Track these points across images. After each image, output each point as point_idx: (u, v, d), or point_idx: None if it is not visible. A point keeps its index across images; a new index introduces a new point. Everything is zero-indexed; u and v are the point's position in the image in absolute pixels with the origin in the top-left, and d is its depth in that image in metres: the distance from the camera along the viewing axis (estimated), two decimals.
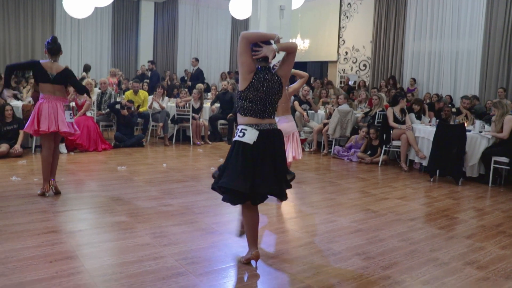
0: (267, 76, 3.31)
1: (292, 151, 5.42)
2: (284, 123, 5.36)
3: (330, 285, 3.24)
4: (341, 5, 15.32)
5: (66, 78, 5.27)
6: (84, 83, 8.93)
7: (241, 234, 3.87)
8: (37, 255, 3.51)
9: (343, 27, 15.29)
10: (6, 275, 3.14)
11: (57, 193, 5.32)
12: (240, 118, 3.36)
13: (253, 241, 3.49)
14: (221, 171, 3.39)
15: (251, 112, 3.30)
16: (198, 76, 13.68)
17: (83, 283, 3.09)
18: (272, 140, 3.33)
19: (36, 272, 3.21)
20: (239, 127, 3.33)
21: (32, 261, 3.40)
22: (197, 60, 14.42)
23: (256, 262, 3.52)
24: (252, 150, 3.25)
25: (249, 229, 3.49)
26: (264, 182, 3.27)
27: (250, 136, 3.26)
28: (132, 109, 9.23)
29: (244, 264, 3.54)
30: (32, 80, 8.87)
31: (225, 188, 3.31)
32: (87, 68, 13.45)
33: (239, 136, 3.29)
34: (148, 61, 14.32)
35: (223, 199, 3.42)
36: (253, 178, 3.25)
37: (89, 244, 3.83)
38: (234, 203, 3.41)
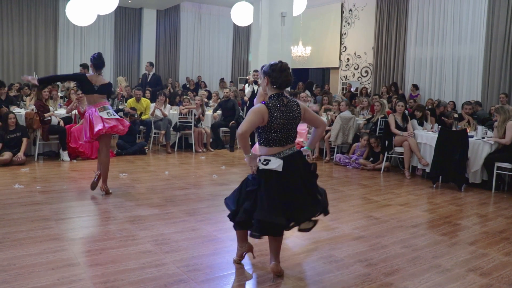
0: (282, 102, 3.29)
1: None
2: None
3: None
4: (342, 12, 15.38)
5: (107, 91, 5.84)
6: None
7: (238, 262, 3.73)
8: (39, 262, 3.51)
9: (345, 33, 15.34)
10: (8, 282, 3.15)
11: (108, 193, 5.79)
12: (265, 149, 3.32)
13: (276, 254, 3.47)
14: (237, 200, 3.40)
15: (274, 142, 3.28)
16: (157, 82, 12.20)
17: None
18: (296, 164, 3.30)
19: (39, 279, 3.22)
20: (262, 157, 3.30)
21: (34, 268, 3.40)
22: (152, 65, 12.73)
23: (274, 274, 3.44)
24: (280, 177, 3.23)
25: (274, 244, 3.47)
26: (304, 209, 3.27)
27: (274, 165, 3.24)
28: (135, 116, 9.25)
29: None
30: (35, 88, 8.91)
31: (263, 222, 3.21)
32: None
33: (263, 164, 3.26)
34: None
35: (254, 234, 3.31)
36: (290, 208, 3.24)
37: (90, 252, 3.83)
38: (263, 233, 3.31)
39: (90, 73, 5.82)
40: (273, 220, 3.18)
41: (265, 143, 3.32)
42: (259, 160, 3.31)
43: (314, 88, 13.94)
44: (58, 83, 13.25)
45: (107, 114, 5.65)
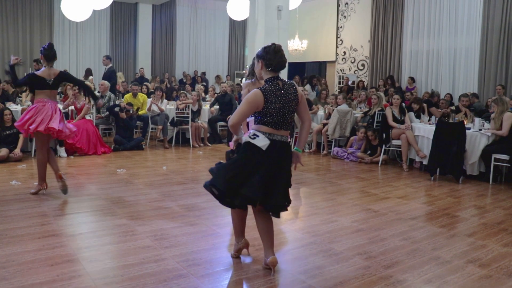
0: (278, 86, 3.25)
1: None
2: None
3: (332, 285, 3.23)
4: (338, 5, 15.33)
5: (64, 80, 5.49)
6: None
7: (235, 257, 3.71)
8: (38, 259, 3.50)
9: (341, 27, 15.30)
10: (7, 279, 3.13)
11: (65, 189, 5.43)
12: (256, 126, 3.28)
13: (268, 245, 3.43)
14: (221, 169, 3.35)
15: (268, 123, 3.24)
16: (110, 76, 11.15)
17: (84, 286, 3.08)
18: (279, 152, 3.26)
19: (37, 275, 3.20)
20: (251, 131, 3.28)
21: (33, 264, 3.39)
22: (108, 58, 11.58)
23: (273, 268, 3.40)
24: (257, 155, 3.21)
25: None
26: (250, 186, 3.19)
27: (261, 142, 3.20)
28: (131, 112, 9.22)
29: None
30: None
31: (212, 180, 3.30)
32: (89, 72, 13.42)
33: (250, 137, 3.23)
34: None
35: (205, 185, 3.38)
36: (242, 179, 3.21)
37: (89, 247, 3.82)
38: (217, 198, 3.38)
39: (42, 68, 5.42)
40: (219, 185, 3.24)
41: (258, 122, 3.28)
42: (249, 133, 3.29)
43: (314, 81, 13.97)
44: None
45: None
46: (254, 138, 3.22)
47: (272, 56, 3.25)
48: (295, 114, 3.39)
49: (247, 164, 3.22)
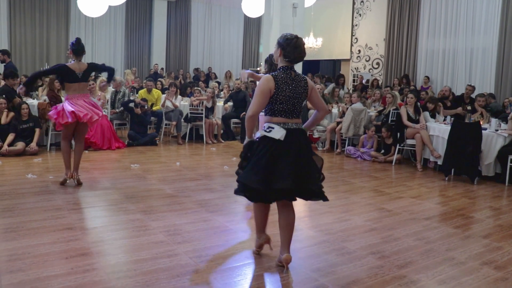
0: (290, 76, 3.29)
1: None
2: None
3: (345, 284, 3.22)
4: (354, 3, 15.22)
5: (93, 70, 5.74)
6: (98, 81, 9.02)
7: (257, 253, 3.71)
8: (53, 252, 3.54)
9: (356, 25, 15.20)
10: (23, 271, 3.18)
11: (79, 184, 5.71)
12: (270, 118, 3.30)
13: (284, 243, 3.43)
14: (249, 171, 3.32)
15: (280, 112, 3.27)
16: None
17: (98, 280, 3.10)
18: (299, 139, 3.28)
19: (52, 268, 3.24)
20: (266, 125, 3.28)
21: (48, 257, 3.43)
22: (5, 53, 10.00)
23: (286, 265, 3.41)
24: (279, 147, 3.20)
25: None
26: (280, 178, 3.14)
27: (277, 133, 3.20)
28: (146, 107, 9.27)
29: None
30: (47, 79, 8.95)
31: (241, 183, 3.32)
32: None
33: (266, 131, 3.23)
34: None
35: (236, 192, 3.43)
36: (270, 174, 3.17)
37: (103, 241, 3.85)
38: (250, 199, 3.43)
39: (71, 61, 5.65)
40: (247, 182, 3.22)
41: (270, 113, 3.30)
42: (264, 127, 3.28)
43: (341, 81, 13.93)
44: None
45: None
46: (270, 131, 3.22)
47: (292, 50, 3.28)
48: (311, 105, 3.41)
49: (270, 158, 3.20)
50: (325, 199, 3.43)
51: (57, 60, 15.37)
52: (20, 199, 4.97)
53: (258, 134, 3.34)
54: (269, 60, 5.76)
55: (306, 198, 3.43)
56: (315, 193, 3.37)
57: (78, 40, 5.65)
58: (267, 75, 3.29)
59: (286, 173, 3.16)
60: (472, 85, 9.56)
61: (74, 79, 5.52)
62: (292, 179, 3.16)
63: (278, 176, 3.16)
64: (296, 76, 3.33)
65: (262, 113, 3.45)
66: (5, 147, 7.23)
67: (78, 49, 5.58)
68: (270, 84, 3.22)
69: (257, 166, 3.21)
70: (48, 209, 4.64)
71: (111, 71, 6.09)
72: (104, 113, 8.74)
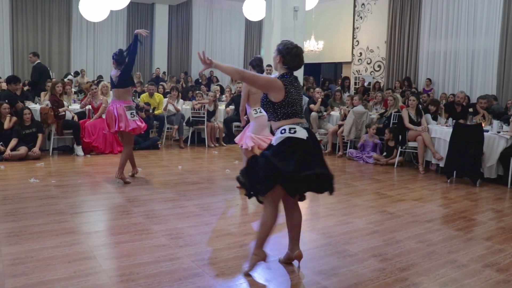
0: (292, 79, 3.40)
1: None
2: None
3: (347, 287, 3.23)
4: (355, 6, 15.26)
5: (125, 75, 6.02)
6: (100, 85, 9.05)
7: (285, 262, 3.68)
8: (56, 255, 3.55)
9: (357, 28, 15.23)
10: (26, 274, 3.19)
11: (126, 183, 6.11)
12: (283, 121, 3.34)
13: (295, 240, 3.55)
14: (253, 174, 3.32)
15: (293, 114, 3.34)
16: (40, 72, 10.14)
17: (100, 283, 3.11)
18: (314, 138, 3.39)
19: (55, 272, 3.25)
20: (285, 127, 3.29)
21: (51, 261, 3.45)
22: (35, 55, 10.42)
23: (299, 261, 3.56)
24: (305, 145, 3.25)
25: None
26: (307, 169, 3.19)
27: (301, 133, 3.28)
28: (149, 111, 9.30)
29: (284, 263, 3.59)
30: (49, 84, 9.00)
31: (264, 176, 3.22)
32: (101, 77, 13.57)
33: (291, 133, 3.27)
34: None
35: (254, 191, 3.37)
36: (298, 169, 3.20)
37: (106, 245, 3.86)
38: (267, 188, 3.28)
39: (113, 69, 6.14)
40: (281, 167, 3.17)
41: (284, 116, 3.33)
42: (284, 129, 3.29)
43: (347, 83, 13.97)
44: (70, 77, 13.39)
45: (131, 115, 6.03)
46: (295, 132, 3.27)
47: (291, 58, 3.37)
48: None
49: (299, 156, 3.22)
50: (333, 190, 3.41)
51: (59, 64, 15.44)
52: (23, 203, 4.99)
53: (277, 136, 3.32)
54: (253, 63, 5.90)
55: (321, 190, 3.44)
56: (329, 184, 3.36)
57: (120, 51, 6.09)
58: (275, 78, 3.36)
59: (312, 165, 3.23)
60: (486, 96, 9.24)
61: (112, 85, 6.15)
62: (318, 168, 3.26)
63: (304, 168, 3.20)
64: (296, 79, 3.46)
65: (264, 113, 3.47)
66: (8, 151, 7.26)
67: (119, 59, 6.01)
68: (277, 84, 3.31)
69: (289, 159, 3.19)
70: (51, 213, 4.66)
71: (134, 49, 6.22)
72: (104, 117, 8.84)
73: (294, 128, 3.28)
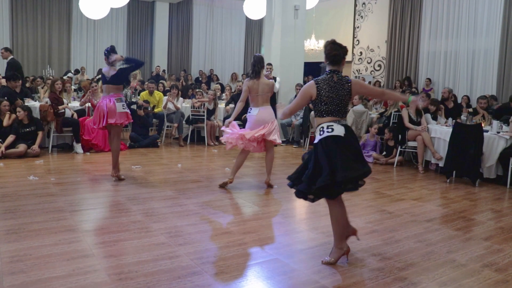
0: (333, 78, 3.55)
1: (277, 137, 5.96)
2: (264, 112, 5.90)
3: (346, 286, 3.22)
4: (355, 5, 15.25)
5: (121, 76, 6.11)
6: (100, 83, 9.04)
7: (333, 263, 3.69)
8: (54, 253, 3.55)
9: (358, 27, 15.22)
10: (25, 272, 3.19)
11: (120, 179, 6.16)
12: (319, 120, 3.56)
13: (342, 236, 3.64)
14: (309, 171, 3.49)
15: (329, 113, 3.52)
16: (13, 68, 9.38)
17: (99, 281, 3.11)
18: (352, 134, 3.56)
19: (54, 269, 3.25)
20: (323, 125, 3.50)
21: (49, 258, 3.44)
22: (7, 50, 9.84)
23: (348, 256, 3.65)
24: (344, 142, 3.44)
25: (338, 224, 3.62)
26: (344, 170, 3.35)
27: (338, 130, 3.45)
28: (148, 109, 9.29)
29: (330, 264, 3.58)
30: (49, 81, 8.98)
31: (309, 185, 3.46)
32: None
33: (328, 132, 3.46)
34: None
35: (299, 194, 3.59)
36: (335, 169, 3.37)
37: (105, 243, 3.86)
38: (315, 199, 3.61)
39: (105, 66, 6.21)
40: (352, 174, 3.42)
41: (318, 114, 3.57)
42: (322, 128, 3.50)
43: None
44: (70, 75, 13.38)
45: (122, 107, 6.07)
46: (332, 131, 3.46)
47: (326, 50, 3.63)
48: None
49: (337, 154, 3.41)
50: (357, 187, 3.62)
51: (58, 62, 15.43)
52: (21, 201, 4.99)
53: (319, 137, 3.51)
54: (252, 61, 6.04)
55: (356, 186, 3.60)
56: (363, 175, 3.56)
57: (112, 48, 6.17)
58: (310, 82, 3.60)
59: (349, 165, 3.39)
60: (486, 96, 9.18)
61: (104, 81, 6.17)
62: (353, 169, 3.41)
63: (342, 168, 3.36)
64: (340, 79, 3.56)
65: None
66: (2, 148, 7.21)
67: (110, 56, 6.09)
68: (310, 89, 3.55)
69: (348, 159, 3.41)
70: (50, 211, 4.65)
71: (139, 64, 6.54)
72: None
73: (331, 127, 3.48)
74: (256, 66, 5.86)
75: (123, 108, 6.08)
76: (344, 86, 3.53)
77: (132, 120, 6.61)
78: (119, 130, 6.33)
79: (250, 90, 5.86)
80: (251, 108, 5.98)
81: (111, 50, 6.12)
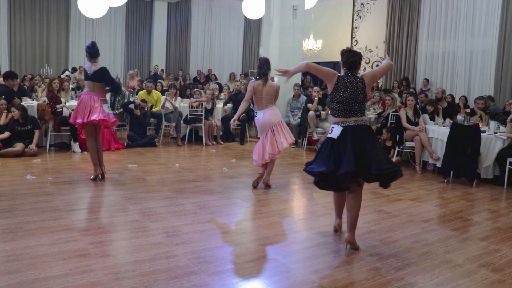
0: (349, 79, 3.85)
1: (286, 139, 5.95)
2: (269, 114, 5.88)
3: (343, 286, 3.23)
4: (354, 5, 15.25)
5: (100, 76, 5.96)
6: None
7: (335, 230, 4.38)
8: (51, 253, 3.54)
9: (356, 27, 15.23)
10: (21, 271, 3.18)
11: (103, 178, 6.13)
12: (332, 119, 3.95)
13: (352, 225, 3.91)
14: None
15: (338, 112, 3.86)
16: None
17: (96, 281, 3.11)
18: (357, 133, 3.77)
19: (50, 269, 3.25)
20: (332, 125, 3.93)
21: (46, 258, 3.44)
22: None
23: (346, 245, 3.90)
24: (338, 143, 3.78)
25: (349, 213, 3.93)
26: (344, 166, 3.67)
27: (335, 132, 3.82)
28: (146, 109, 9.28)
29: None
30: (47, 80, 8.97)
31: (312, 173, 3.93)
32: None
33: (329, 133, 3.89)
34: None
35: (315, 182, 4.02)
36: (336, 164, 3.74)
37: (102, 243, 3.85)
38: (320, 187, 4.03)
39: (87, 62, 6.12)
40: (316, 169, 3.87)
41: (332, 112, 3.93)
42: (332, 127, 3.92)
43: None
44: (67, 73, 13.36)
45: (108, 108, 6.05)
46: (331, 132, 3.87)
47: (344, 58, 3.93)
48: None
49: (335, 152, 3.80)
50: (386, 185, 4.10)
51: (56, 61, 15.40)
52: (18, 200, 4.98)
53: (331, 133, 3.91)
54: (258, 63, 6.03)
55: (369, 181, 3.91)
56: (381, 176, 3.86)
57: (93, 44, 6.11)
58: (336, 72, 3.94)
59: (347, 160, 3.68)
60: (484, 97, 9.02)
61: (86, 77, 6.02)
62: (354, 164, 3.65)
63: (343, 164, 3.70)
64: (355, 79, 3.87)
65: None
66: None
67: (92, 51, 6.02)
68: (334, 76, 3.88)
69: (322, 158, 3.88)
70: (47, 210, 4.65)
71: (114, 89, 6.62)
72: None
73: (332, 129, 3.86)
74: (262, 68, 5.84)
75: (108, 110, 6.02)
76: (358, 85, 3.83)
77: (116, 124, 6.58)
78: (99, 130, 6.25)
79: (255, 92, 5.86)
80: (256, 112, 5.98)
81: (92, 47, 6.05)
